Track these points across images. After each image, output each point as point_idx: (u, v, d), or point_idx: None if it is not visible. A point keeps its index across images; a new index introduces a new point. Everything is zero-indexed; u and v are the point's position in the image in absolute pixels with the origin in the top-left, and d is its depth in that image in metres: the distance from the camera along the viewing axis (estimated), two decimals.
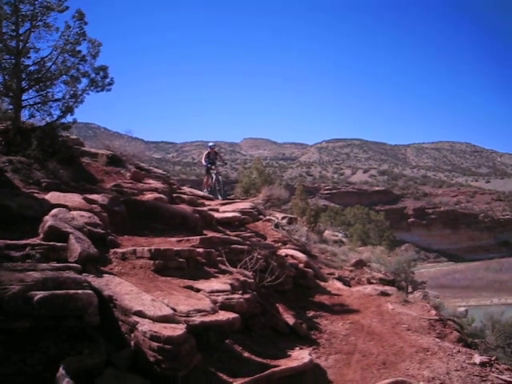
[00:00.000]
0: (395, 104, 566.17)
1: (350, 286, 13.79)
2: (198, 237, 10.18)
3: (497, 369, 8.84)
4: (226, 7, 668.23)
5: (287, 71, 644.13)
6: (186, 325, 5.99)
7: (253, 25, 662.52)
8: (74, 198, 9.87)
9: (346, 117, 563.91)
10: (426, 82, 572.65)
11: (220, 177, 21.49)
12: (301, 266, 12.71)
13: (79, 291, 5.65)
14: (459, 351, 9.25)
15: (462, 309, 15.27)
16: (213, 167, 21.19)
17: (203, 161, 21.68)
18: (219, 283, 8.20)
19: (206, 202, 15.98)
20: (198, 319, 6.43)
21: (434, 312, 11.98)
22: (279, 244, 14.25)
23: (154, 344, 5.47)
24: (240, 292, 8.18)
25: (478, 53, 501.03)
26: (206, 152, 21.65)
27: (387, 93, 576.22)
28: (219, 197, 19.64)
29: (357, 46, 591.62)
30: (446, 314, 12.62)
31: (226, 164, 26.70)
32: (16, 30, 12.24)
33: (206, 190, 20.57)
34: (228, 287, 8.03)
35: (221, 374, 6.36)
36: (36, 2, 12.25)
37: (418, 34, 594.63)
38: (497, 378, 8.36)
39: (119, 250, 8.36)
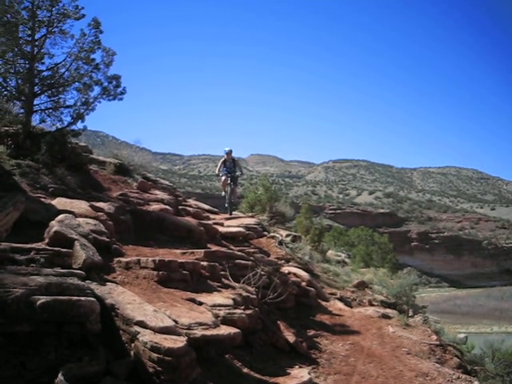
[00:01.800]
0: (402, 127, 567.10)
1: (352, 307, 13.73)
2: (203, 250, 10.18)
3: None
4: (239, 23, 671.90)
5: (297, 89, 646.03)
6: (186, 337, 5.96)
7: (264, 43, 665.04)
8: (81, 205, 9.87)
9: (354, 138, 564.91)
10: (435, 107, 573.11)
11: (236, 188, 19.17)
12: (303, 284, 12.67)
13: (82, 298, 5.63)
14: (459, 377, 9.19)
15: (462, 335, 15.12)
16: (229, 177, 18.31)
17: (217, 171, 18.83)
18: (222, 297, 8.18)
19: (211, 216, 16.00)
20: (199, 332, 6.41)
21: (434, 337, 11.91)
22: (282, 261, 14.22)
23: (154, 355, 5.44)
24: (242, 307, 8.16)
25: (490, 78, 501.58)
26: (222, 160, 18.81)
27: (395, 116, 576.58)
28: (228, 211, 18.21)
29: (367, 66, 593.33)
30: (446, 340, 12.53)
31: (243, 174, 20.29)
32: (32, 36, 12.31)
33: (224, 195, 18.67)
34: (230, 302, 8.02)
35: None
36: (53, 9, 12.32)
37: (428, 54, 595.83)
38: None
39: (123, 259, 8.35)
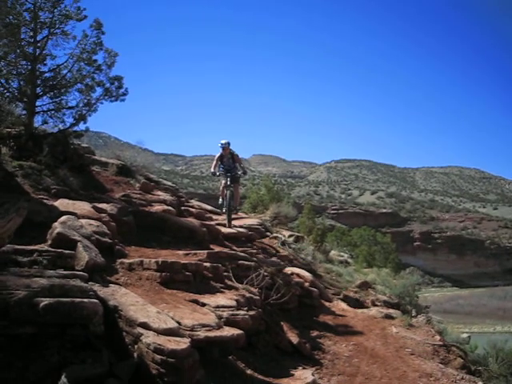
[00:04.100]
0: (405, 127, 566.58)
1: (355, 308, 13.71)
2: (206, 251, 10.17)
3: None
4: (236, 26, 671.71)
5: (299, 90, 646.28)
6: (190, 339, 5.94)
7: (265, 44, 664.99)
8: (83, 206, 9.87)
9: (356, 138, 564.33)
10: (437, 107, 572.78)
11: (238, 189, 16.07)
12: (306, 284, 12.63)
13: (85, 300, 5.62)
14: (463, 378, 9.16)
15: (465, 335, 15.10)
16: (228, 178, 15.07)
17: (212, 168, 15.25)
18: (225, 299, 8.17)
19: (214, 217, 15.95)
20: (202, 334, 6.39)
21: (438, 337, 11.88)
22: (285, 262, 14.19)
23: (158, 357, 5.43)
24: (245, 308, 8.14)
25: (493, 78, 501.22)
26: (218, 155, 15.25)
27: (397, 116, 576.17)
28: (227, 221, 14.77)
29: (370, 67, 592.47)
30: (450, 340, 12.50)
31: (245, 174, 16.38)
32: (34, 37, 12.35)
33: (222, 202, 15.56)
34: (233, 303, 8.00)
35: None
36: (55, 10, 12.37)
37: (432, 56, 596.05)
38: None
39: (126, 261, 8.34)
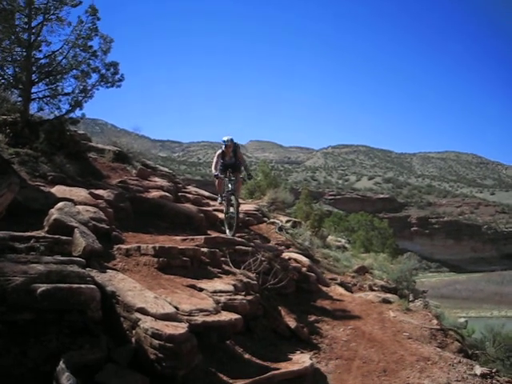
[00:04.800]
0: (402, 112, 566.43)
1: (352, 292, 13.71)
2: (203, 236, 10.17)
3: (497, 381, 8.79)
4: (231, 16, 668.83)
5: (295, 75, 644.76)
6: (188, 324, 5.96)
7: (261, 33, 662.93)
8: (80, 193, 9.87)
9: (353, 123, 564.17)
10: (434, 92, 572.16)
11: (239, 206, 12.85)
12: (304, 269, 12.64)
13: (82, 285, 5.63)
14: (460, 362, 9.18)
15: (462, 320, 15.13)
16: (230, 180, 12.84)
17: (213, 169, 12.92)
18: (222, 283, 8.19)
19: (211, 203, 15.93)
20: (200, 319, 6.41)
21: (435, 321, 11.91)
22: (282, 247, 14.19)
23: (156, 342, 5.44)
24: (243, 293, 8.17)
25: (489, 63, 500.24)
26: (219, 152, 13.11)
27: (394, 101, 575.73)
28: (228, 232, 12.51)
29: (366, 53, 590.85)
30: (447, 324, 12.54)
31: (250, 178, 14.53)
32: (28, 23, 12.27)
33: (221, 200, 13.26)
34: (231, 288, 8.02)
35: (221, 375, 6.33)
36: None
37: (428, 41, 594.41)
38: None
39: (123, 247, 8.35)
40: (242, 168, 13.34)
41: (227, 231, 12.65)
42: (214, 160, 13.12)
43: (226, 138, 13.06)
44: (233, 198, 12.55)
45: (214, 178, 13.25)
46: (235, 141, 13.31)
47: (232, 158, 13.16)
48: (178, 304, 6.54)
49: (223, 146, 13.06)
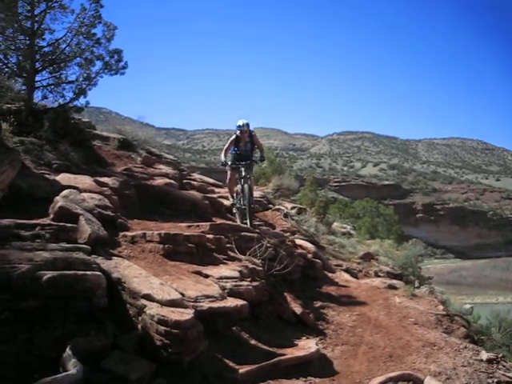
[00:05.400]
0: (407, 98, 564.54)
1: (358, 278, 13.71)
2: (208, 223, 10.14)
3: (503, 366, 8.76)
4: (236, 2, 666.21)
5: (300, 63, 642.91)
6: (193, 310, 5.95)
7: (268, 18, 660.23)
8: (85, 180, 9.86)
9: (358, 110, 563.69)
10: (440, 78, 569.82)
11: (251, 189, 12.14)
12: (309, 256, 12.64)
13: (88, 272, 5.62)
14: (466, 347, 9.18)
15: (468, 306, 15.13)
16: (243, 167, 12.00)
17: (223, 156, 12.23)
18: (228, 270, 8.18)
19: (216, 190, 15.94)
20: (206, 305, 6.42)
21: (441, 307, 11.91)
22: (288, 234, 14.19)
23: (162, 328, 5.44)
24: (249, 279, 8.15)
25: (494, 49, 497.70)
26: (232, 138, 12.35)
27: (400, 87, 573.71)
28: (248, 222, 11.64)
29: (372, 40, 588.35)
30: (453, 310, 12.55)
31: (263, 160, 13.36)
32: (31, 11, 12.20)
33: (233, 201, 12.66)
34: (237, 274, 8.01)
35: (227, 361, 6.33)
36: None
37: (433, 28, 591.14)
38: (503, 375, 8.29)
39: (129, 234, 8.34)
40: (258, 151, 12.66)
41: (239, 221, 12.09)
42: (226, 146, 12.41)
43: (241, 123, 12.18)
44: (246, 186, 11.85)
45: (221, 166, 12.53)
46: (251, 129, 12.49)
47: (248, 143, 12.38)
48: (183, 290, 6.53)
49: (237, 131, 12.25)
